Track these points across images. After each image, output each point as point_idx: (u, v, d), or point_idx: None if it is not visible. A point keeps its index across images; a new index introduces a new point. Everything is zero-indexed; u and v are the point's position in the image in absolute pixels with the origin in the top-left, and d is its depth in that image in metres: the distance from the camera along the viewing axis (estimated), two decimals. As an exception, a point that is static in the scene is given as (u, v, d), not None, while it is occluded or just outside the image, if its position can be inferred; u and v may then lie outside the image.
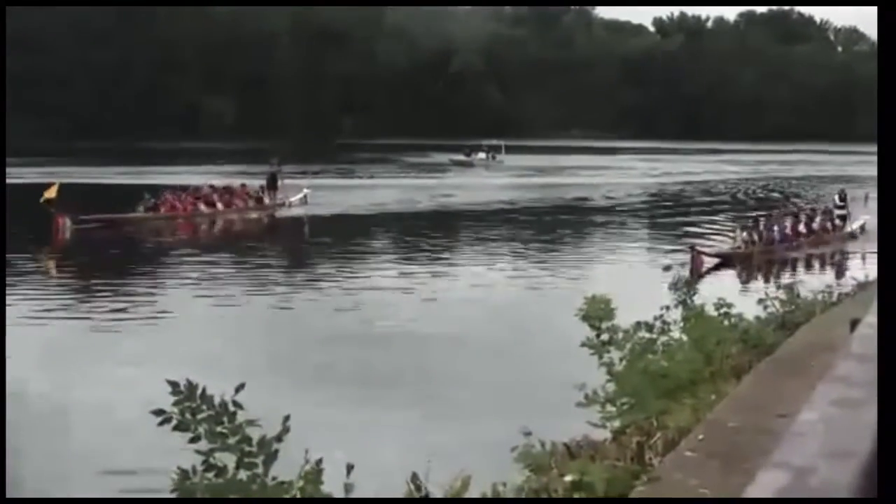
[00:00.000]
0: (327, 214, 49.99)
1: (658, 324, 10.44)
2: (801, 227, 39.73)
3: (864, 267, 28.59)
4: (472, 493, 6.54)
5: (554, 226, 48.61)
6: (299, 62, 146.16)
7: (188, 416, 5.40)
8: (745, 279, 32.81)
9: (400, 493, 6.37)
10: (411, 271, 33.02)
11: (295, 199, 54.20)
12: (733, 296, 13.83)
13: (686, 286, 13.33)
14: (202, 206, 48.39)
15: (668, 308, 11.02)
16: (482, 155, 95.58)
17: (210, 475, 5.40)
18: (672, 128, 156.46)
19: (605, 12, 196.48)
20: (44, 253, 37.38)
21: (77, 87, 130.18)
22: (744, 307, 12.64)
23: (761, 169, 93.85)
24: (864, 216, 41.72)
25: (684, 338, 10.64)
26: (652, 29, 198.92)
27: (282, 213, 51.97)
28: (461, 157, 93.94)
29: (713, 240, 39.47)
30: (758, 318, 12.83)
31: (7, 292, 27.52)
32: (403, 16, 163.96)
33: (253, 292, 28.68)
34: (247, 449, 5.40)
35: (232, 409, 5.43)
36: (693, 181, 77.44)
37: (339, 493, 5.68)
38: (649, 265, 33.58)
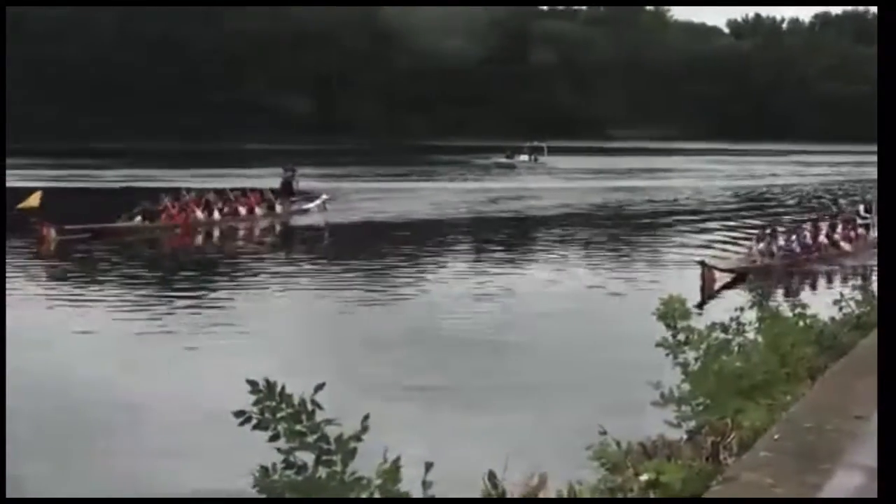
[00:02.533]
0: (347, 222, 48.26)
1: (733, 325, 10.38)
2: (822, 238, 37.12)
3: None
4: (549, 491, 6.52)
5: (631, 229, 48.50)
6: (371, 63, 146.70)
7: (268, 414, 5.44)
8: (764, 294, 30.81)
9: (477, 492, 6.36)
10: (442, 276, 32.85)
11: (312, 205, 52.08)
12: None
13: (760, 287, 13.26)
14: (199, 214, 45.69)
15: (742, 309, 10.92)
16: (524, 157, 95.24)
17: (290, 472, 5.44)
18: (744, 128, 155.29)
19: (679, 14, 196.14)
20: (32, 262, 35.35)
21: (147, 88, 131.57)
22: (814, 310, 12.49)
23: (842, 170, 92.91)
24: None
25: (759, 339, 10.56)
26: (726, 31, 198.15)
27: (298, 220, 49.92)
28: (503, 159, 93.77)
29: (727, 250, 37.32)
30: (833, 318, 12.69)
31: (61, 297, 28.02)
32: (475, 13, 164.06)
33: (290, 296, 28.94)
34: (325, 447, 5.43)
35: (311, 407, 5.46)
36: (778, 184, 76.71)
37: (416, 491, 5.68)
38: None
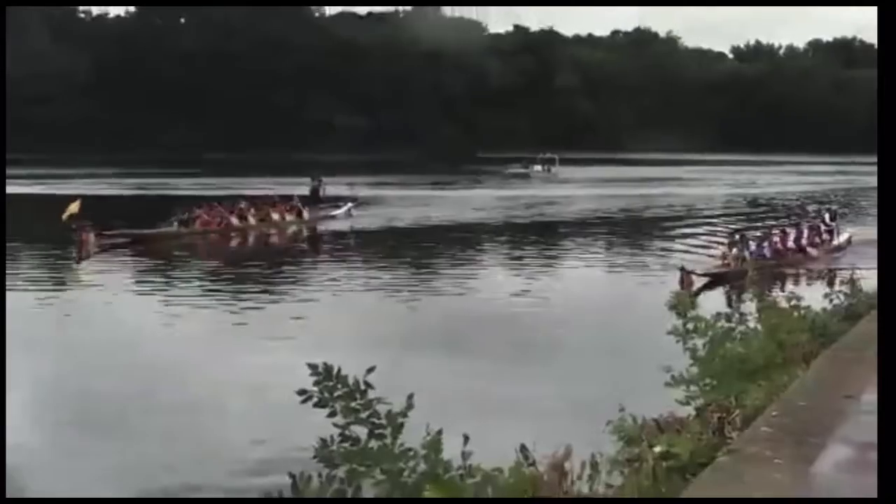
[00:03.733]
0: (373, 228, 46.69)
1: (736, 315, 10.43)
2: (790, 243, 35.78)
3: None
4: (574, 461, 6.50)
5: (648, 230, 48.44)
6: (421, 82, 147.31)
7: (326, 394, 5.50)
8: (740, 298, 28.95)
9: (510, 461, 6.35)
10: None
11: (339, 212, 50.44)
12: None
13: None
14: (234, 220, 43.74)
15: (743, 301, 10.94)
16: (538, 167, 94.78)
17: (346, 444, 5.50)
18: (747, 141, 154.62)
19: (689, 41, 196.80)
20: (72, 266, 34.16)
21: (221, 102, 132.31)
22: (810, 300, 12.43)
23: (842, 179, 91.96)
24: (850, 229, 39.70)
25: (759, 327, 10.58)
26: (731, 56, 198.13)
27: (325, 226, 48.25)
28: (519, 169, 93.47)
29: (704, 254, 35.32)
30: (824, 309, 12.64)
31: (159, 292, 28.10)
32: (514, 39, 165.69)
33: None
34: (376, 422, 5.50)
35: (363, 387, 5.52)
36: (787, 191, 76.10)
37: (457, 461, 5.70)
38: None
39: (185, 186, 65.90)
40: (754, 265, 29.15)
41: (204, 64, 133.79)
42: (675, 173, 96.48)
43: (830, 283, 13.55)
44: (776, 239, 35.52)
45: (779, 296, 12.25)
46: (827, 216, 41.52)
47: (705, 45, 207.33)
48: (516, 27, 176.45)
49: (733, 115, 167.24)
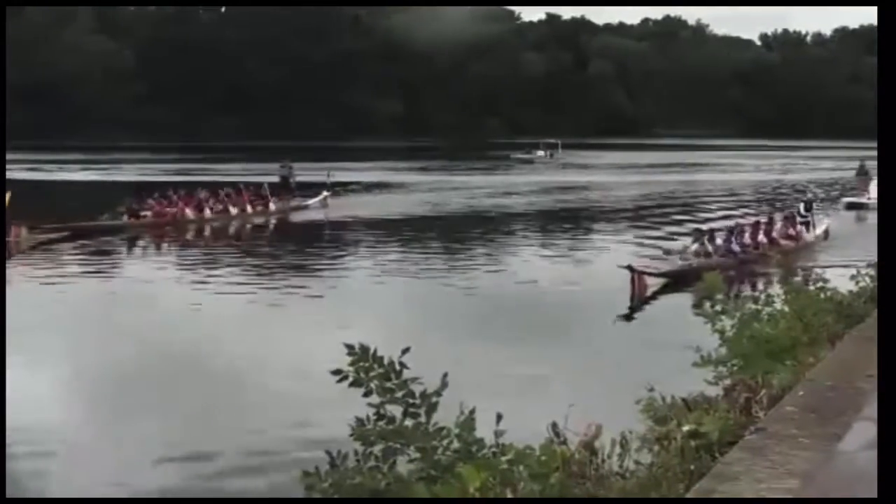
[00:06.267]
0: (349, 218, 42.72)
1: (763, 296, 10.43)
2: (762, 237, 31.91)
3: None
4: (604, 439, 6.50)
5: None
6: (454, 71, 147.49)
7: (362, 374, 5.53)
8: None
9: (542, 439, 6.35)
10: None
11: (313, 202, 46.46)
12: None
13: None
14: (189, 212, 39.61)
15: (771, 283, 10.94)
16: (541, 153, 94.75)
17: (381, 423, 5.52)
18: (773, 127, 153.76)
19: (717, 28, 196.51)
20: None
21: (263, 93, 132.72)
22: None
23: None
24: (827, 221, 36.87)
25: (786, 308, 10.56)
26: (758, 43, 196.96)
27: (298, 216, 44.23)
28: (523, 155, 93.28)
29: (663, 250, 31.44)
30: (850, 291, 12.55)
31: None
32: (551, 31, 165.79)
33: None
34: (411, 401, 5.52)
35: (398, 368, 5.55)
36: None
37: (490, 439, 5.71)
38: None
39: (225, 172, 66.09)
40: (720, 261, 27.42)
41: (245, 52, 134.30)
42: (703, 159, 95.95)
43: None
44: (746, 232, 31.82)
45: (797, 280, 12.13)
46: (802, 206, 37.95)
47: (733, 33, 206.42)
48: (549, 16, 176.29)
49: (761, 102, 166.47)
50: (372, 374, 5.52)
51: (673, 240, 34.55)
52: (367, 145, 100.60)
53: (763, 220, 34.19)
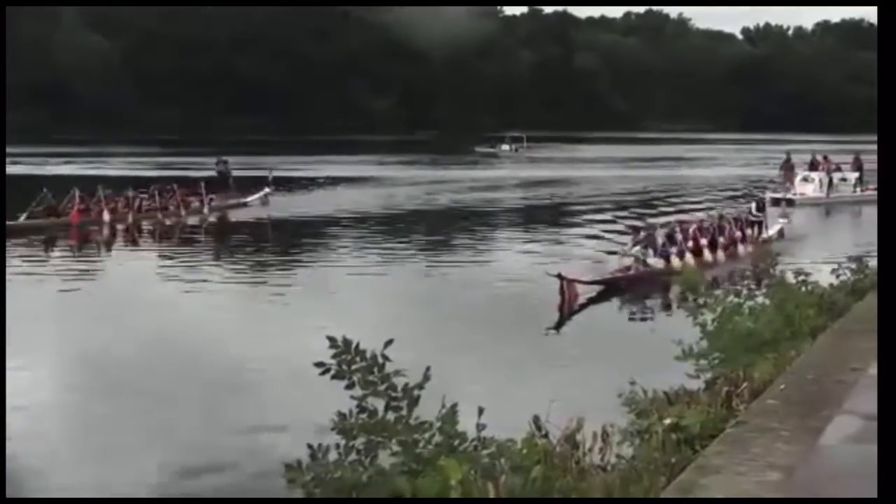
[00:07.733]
0: (289, 216, 40.61)
1: (745, 290, 10.44)
2: (706, 240, 28.06)
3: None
4: (585, 433, 6.50)
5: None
6: (448, 69, 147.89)
7: (344, 367, 5.50)
8: (636, 305, 23.43)
9: (524, 433, 6.35)
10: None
11: (253, 198, 43.79)
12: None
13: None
14: (106, 215, 36.82)
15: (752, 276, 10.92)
16: (506, 147, 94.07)
17: (363, 416, 5.51)
18: (754, 120, 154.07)
19: (700, 22, 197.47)
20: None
21: (264, 91, 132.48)
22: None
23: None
24: (781, 221, 33.91)
25: (767, 302, 10.58)
26: (740, 37, 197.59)
27: (237, 214, 41.35)
28: (488, 149, 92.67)
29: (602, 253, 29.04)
30: (831, 285, 12.59)
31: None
32: (537, 26, 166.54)
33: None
34: (393, 395, 5.50)
35: (381, 361, 5.53)
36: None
37: (472, 433, 5.70)
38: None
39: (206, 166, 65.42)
40: (660, 268, 25.15)
41: (247, 49, 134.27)
42: (692, 153, 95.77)
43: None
44: (689, 234, 28.07)
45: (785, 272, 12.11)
46: (754, 206, 34.78)
47: (715, 27, 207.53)
48: (531, 10, 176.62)
49: (751, 97, 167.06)
50: (354, 367, 5.50)
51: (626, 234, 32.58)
52: (355, 139, 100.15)
53: (707, 221, 30.31)
